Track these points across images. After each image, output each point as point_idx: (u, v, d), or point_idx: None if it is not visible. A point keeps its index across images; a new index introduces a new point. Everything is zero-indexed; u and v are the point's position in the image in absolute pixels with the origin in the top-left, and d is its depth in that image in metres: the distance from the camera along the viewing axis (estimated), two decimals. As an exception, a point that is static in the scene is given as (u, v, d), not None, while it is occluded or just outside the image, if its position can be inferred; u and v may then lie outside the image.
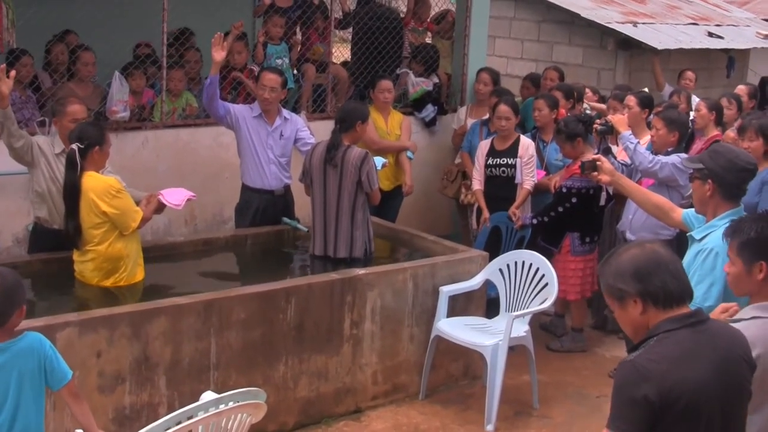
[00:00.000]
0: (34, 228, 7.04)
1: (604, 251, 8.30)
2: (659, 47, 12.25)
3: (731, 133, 8.63)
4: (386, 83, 9.20)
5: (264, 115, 7.85)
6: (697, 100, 9.66)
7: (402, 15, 11.28)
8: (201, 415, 4.35)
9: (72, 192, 6.29)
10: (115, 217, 6.29)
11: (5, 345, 4.33)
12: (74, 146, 6.25)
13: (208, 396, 4.68)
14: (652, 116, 8.25)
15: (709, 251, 5.04)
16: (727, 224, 4.56)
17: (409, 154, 7.87)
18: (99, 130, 6.45)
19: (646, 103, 8.54)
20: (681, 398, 3.27)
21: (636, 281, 3.44)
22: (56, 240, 6.61)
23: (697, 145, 8.87)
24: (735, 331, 3.67)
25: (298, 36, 10.41)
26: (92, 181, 6.27)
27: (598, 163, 6.24)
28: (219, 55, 7.52)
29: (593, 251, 8.21)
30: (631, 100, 8.51)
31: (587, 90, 10.26)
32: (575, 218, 8.04)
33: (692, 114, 9.58)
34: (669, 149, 7.65)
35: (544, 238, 8.19)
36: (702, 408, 3.33)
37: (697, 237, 5.24)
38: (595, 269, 8.21)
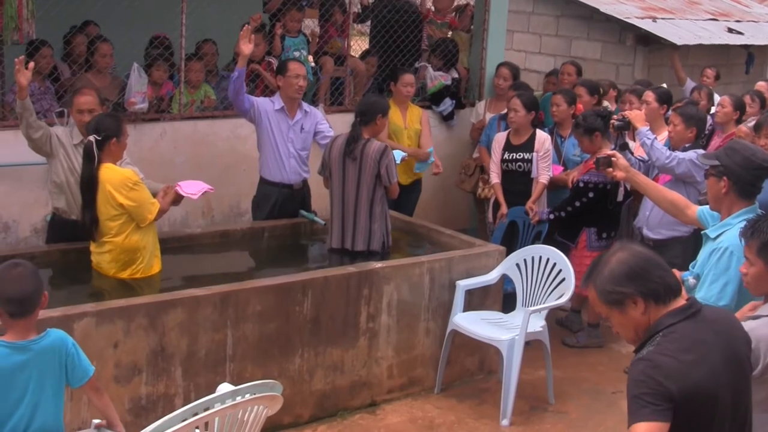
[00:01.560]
0: (52, 219, 7.06)
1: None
2: (679, 43, 12.22)
3: (744, 127, 8.60)
4: (409, 77, 9.18)
5: (285, 108, 7.84)
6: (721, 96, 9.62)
7: (420, 8, 11.27)
8: (217, 407, 4.36)
9: (89, 184, 6.30)
10: (131, 209, 6.30)
11: (27, 344, 4.31)
12: (91, 138, 6.26)
13: (224, 388, 4.68)
14: (670, 112, 8.21)
15: (724, 250, 5.03)
16: (742, 223, 4.54)
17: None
18: (116, 121, 6.45)
19: (665, 98, 8.50)
20: (698, 388, 3.30)
21: (633, 281, 3.45)
22: (74, 231, 6.62)
23: (716, 142, 8.85)
24: (726, 312, 3.78)
25: (316, 29, 10.43)
26: (109, 173, 6.28)
27: (613, 159, 6.22)
28: (246, 47, 7.50)
29: (610, 246, 8.14)
30: (649, 95, 8.48)
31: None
32: (592, 213, 8.01)
33: (713, 108, 9.55)
34: (686, 145, 7.61)
35: (560, 233, 8.17)
36: (717, 393, 3.36)
37: (712, 235, 5.22)
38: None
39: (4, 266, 4.34)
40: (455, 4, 11.47)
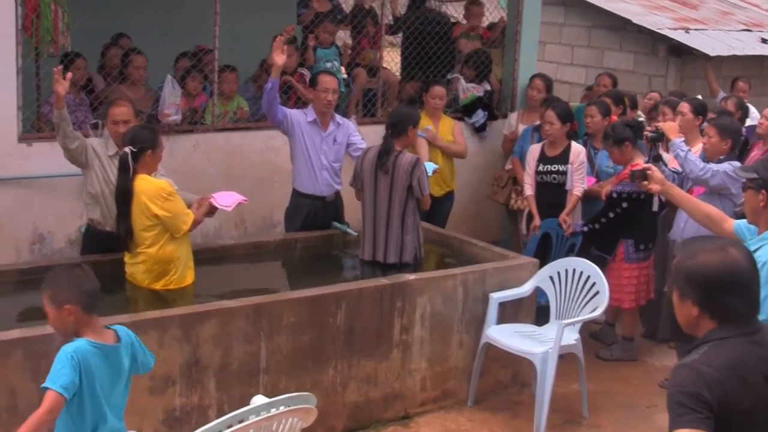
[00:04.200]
0: (87, 230, 7.10)
1: (658, 259, 8.24)
2: (712, 54, 12.15)
3: None
4: (439, 89, 9.18)
5: (318, 121, 7.84)
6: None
7: (453, 20, 11.27)
8: (252, 419, 4.36)
9: (124, 195, 6.33)
10: (166, 219, 6.32)
11: (110, 348, 4.35)
12: (127, 149, 6.29)
13: (259, 400, 4.68)
14: (705, 124, 8.16)
15: (763, 264, 4.97)
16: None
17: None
18: (152, 133, 6.48)
19: (700, 110, 8.44)
20: (735, 406, 3.24)
21: (702, 291, 3.38)
22: (108, 242, 6.64)
23: (756, 154, 8.77)
24: None
25: (349, 40, 10.45)
26: (144, 184, 6.30)
27: (648, 171, 6.18)
28: (280, 58, 7.51)
29: (648, 258, 8.12)
30: (684, 107, 8.43)
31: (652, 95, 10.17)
32: (628, 224, 7.96)
33: (749, 121, 9.49)
34: (721, 157, 7.56)
35: (597, 246, 8.11)
36: (755, 416, 3.29)
37: (751, 249, 5.16)
38: (650, 277, 8.14)
39: (66, 268, 4.48)
40: (486, 19, 11.44)
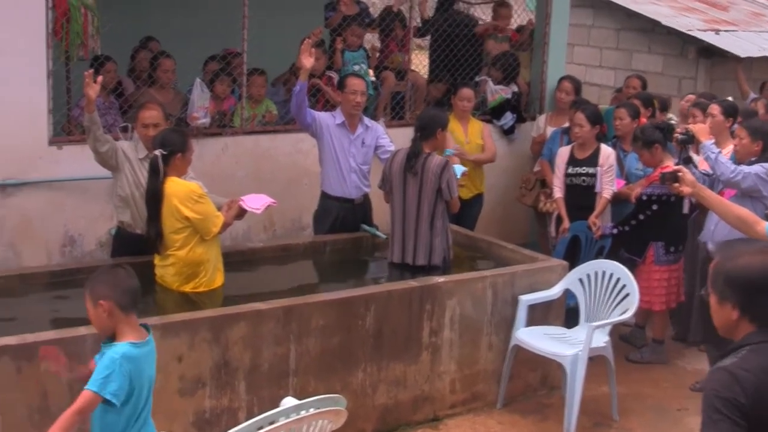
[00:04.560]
0: (117, 232, 7.13)
1: (688, 262, 8.20)
2: (742, 55, 12.08)
3: None
4: (467, 92, 9.17)
5: (346, 123, 7.85)
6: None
7: (480, 22, 11.25)
8: (282, 421, 4.36)
9: (154, 197, 6.35)
10: (197, 222, 6.34)
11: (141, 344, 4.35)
12: (157, 152, 6.31)
13: (288, 402, 4.68)
14: (735, 125, 8.11)
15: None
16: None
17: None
18: (182, 136, 6.50)
19: (730, 112, 8.40)
20: None
21: (741, 293, 3.35)
22: (138, 244, 6.65)
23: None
24: None
25: (377, 43, 10.45)
26: (175, 187, 6.32)
27: (679, 174, 6.15)
28: (308, 61, 7.52)
29: (678, 261, 8.07)
30: (714, 108, 8.38)
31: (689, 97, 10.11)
32: (658, 227, 7.92)
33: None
34: (752, 159, 7.51)
35: (627, 248, 8.07)
36: None
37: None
38: (680, 279, 8.09)
39: (111, 266, 4.62)
40: (514, 22, 11.42)
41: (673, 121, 9.29)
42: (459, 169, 7.63)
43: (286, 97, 9.12)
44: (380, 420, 6.60)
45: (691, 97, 10.09)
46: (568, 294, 7.40)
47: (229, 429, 4.37)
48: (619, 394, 7.21)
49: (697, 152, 8.22)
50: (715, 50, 12.27)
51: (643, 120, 8.86)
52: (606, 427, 7.02)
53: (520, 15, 11.52)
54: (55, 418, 4.16)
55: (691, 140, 8.09)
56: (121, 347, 4.20)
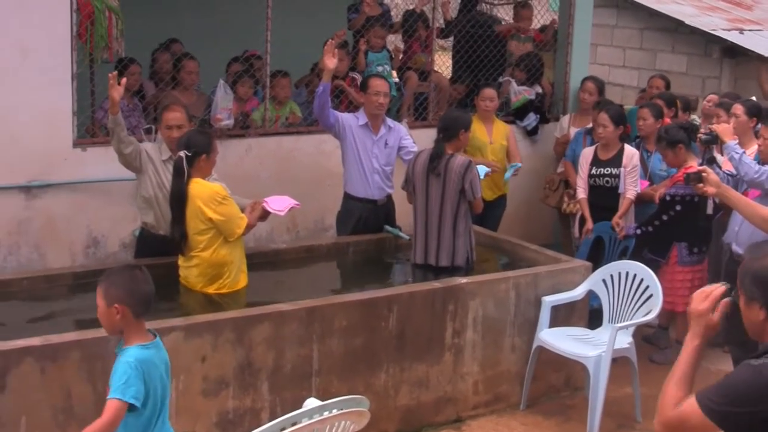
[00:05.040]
0: (140, 233, 7.16)
1: (712, 263, 8.16)
2: (767, 54, 12.00)
3: None
4: (489, 91, 9.16)
5: (369, 124, 7.86)
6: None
7: (503, 23, 11.24)
8: (305, 422, 4.36)
9: (178, 198, 6.37)
10: (220, 223, 6.36)
11: (158, 344, 4.37)
12: (182, 154, 6.33)
13: (311, 403, 4.68)
14: (759, 125, 8.07)
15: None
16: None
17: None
18: (207, 138, 6.52)
19: (754, 111, 8.35)
20: None
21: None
22: (162, 245, 6.69)
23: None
24: None
25: (400, 44, 10.46)
26: (199, 188, 6.34)
27: (703, 174, 6.12)
28: (331, 62, 7.53)
29: (702, 261, 8.04)
30: (738, 108, 8.34)
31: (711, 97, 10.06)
32: (681, 227, 7.89)
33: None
34: (777, 159, 7.47)
35: (651, 249, 8.05)
36: None
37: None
38: (704, 280, 8.05)
39: (127, 268, 4.46)
40: (537, 22, 11.40)
41: (697, 122, 9.25)
42: (482, 169, 7.63)
43: (309, 98, 9.14)
44: (403, 421, 6.60)
45: (713, 97, 10.04)
46: (591, 295, 7.38)
47: (252, 430, 4.38)
48: (642, 395, 7.18)
49: (721, 152, 8.19)
50: (739, 50, 12.21)
51: (667, 120, 8.82)
52: (629, 429, 7.00)
53: (544, 15, 11.50)
54: (79, 419, 4.19)
55: (714, 140, 8.05)
56: (132, 351, 4.22)
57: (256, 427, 4.37)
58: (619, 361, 7.06)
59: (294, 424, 4.36)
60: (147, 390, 4.19)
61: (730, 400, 3.19)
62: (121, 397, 4.09)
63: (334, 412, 4.47)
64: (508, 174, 8.77)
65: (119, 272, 4.40)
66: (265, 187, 8.07)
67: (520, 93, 10.10)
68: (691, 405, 3.24)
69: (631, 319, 7.05)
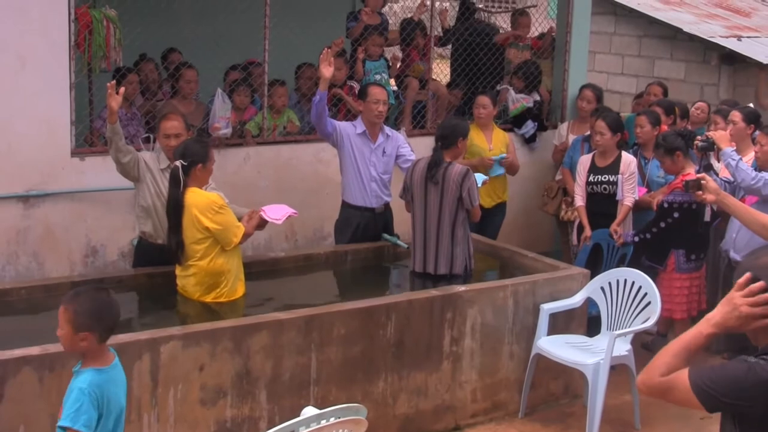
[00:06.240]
0: (138, 243, 7.16)
1: (710, 270, 8.16)
2: (765, 62, 12.03)
3: None
4: (483, 99, 9.16)
5: (367, 133, 7.87)
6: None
7: (501, 31, 11.26)
8: (303, 430, 4.36)
9: (175, 208, 6.38)
10: (217, 232, 6.36)
11: (113, 365, 4.30)
12: (178, 163, 6.34)
13: (309, 411, 4.68)
14: (756, 132, 8.08)
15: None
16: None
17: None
18: (203, 147, 6.52)
19: (752, 118, 8.37)
20: None
21: None
22: (160, 255, 6.69)
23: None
24: None
25: (398, 53, 10.47)
26: (195, 197, 6.35)
27: (702, 181, 6.13)
28: (327, 70, 7.54)
29: (699, 269, 8.03)
30: (735, 115, 8.36)
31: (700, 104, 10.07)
32: (679, 234, 7.89)
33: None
34: (773, 165, 7.48)
35: (648, 256, 8.05)
36: None
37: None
38: (702, 287, 8.05)
39: (95, 292, 4.31)
40: (535, 29, 11.41)
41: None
42: (480, 177, 7.63)
43: (299, 102, 9.17)
44: (401, 429, 6.60)
45: (702, 104, 10.07)
46: (590, 302, 7.38)
47: (250, 438, 4.39)
48: (641, 402, 7.17)
49: (718, 159, 8.20)
50: (737, 56, 12.23)
51: (665, 127, 8.83)
52: (628, 436, 7.01)
53: (542, 23, 11.51)
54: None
55: (711, 147, 8.07)
56: (87, 376, 4.13)
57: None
58: (617, 369, 7.08)
59: (291, 432, 4.37)
60: (100, 414, 4.12)
61: (717, 387, 3.20)
62: (72, 425, 4.02)
63: (332, 420, 4.47)
64: (494, 170, 8.74)
65: (88, 298, 4.25)
66: (264, 195, 8.08)
67: (518, 101, 10.11)
68: (681, 376, 3.25)
69: (629, 327, 7.05)
